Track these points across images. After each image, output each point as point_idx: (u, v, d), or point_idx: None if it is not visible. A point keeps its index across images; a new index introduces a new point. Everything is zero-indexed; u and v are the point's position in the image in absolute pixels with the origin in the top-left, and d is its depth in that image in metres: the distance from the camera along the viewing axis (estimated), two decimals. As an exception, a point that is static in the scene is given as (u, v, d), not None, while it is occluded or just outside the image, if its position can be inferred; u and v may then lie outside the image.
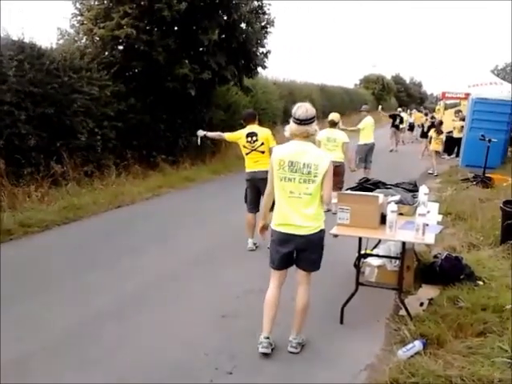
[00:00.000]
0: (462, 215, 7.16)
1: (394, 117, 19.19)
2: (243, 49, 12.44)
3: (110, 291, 4.74)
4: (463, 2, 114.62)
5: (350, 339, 3.86)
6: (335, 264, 4.97)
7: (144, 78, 11.12)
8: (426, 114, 21.42)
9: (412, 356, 3.44)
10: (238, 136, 6.05)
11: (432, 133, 13.47)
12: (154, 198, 9.30)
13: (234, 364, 3.44)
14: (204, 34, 10.97)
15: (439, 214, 4.91)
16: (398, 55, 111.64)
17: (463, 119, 14.75)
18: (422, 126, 19.04)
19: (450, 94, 17.77)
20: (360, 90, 41.90)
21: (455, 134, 15.14)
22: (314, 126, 3.45)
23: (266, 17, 13.21)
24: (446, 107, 18.63)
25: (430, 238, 3.89)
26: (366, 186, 5.01)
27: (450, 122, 15.55)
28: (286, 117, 4.25)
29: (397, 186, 5.14)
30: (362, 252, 4.32)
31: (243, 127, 6.16)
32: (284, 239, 3.49)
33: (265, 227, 3.80)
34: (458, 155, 14.94)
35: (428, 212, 4.04)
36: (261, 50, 13.33)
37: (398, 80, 52.66)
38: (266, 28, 13.25)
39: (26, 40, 8.93)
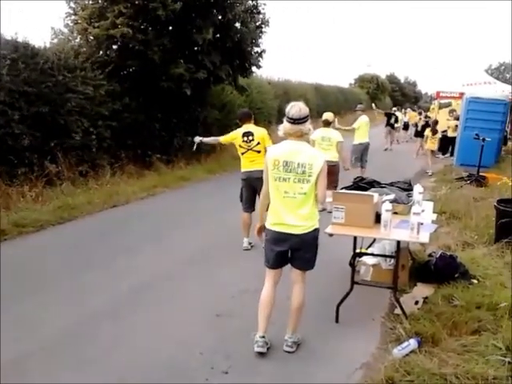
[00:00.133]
0: (456, 214, 7.19)
1: (389, 115, 19.23)
2: (238, 48, 12.43)
3: (106, 291, 4.73)
4: (457, 1, 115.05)
5: (346, 338, 3.87)
6: (330, 263, 4.98)
7: (139, 77, 11.09)
8: (420, 114, 21.47)
9: (407, 354, 3.45)
10: (234, 136, 6.04)
11: (428, 132, 13.52)
12: (149, 197, 9.29)
13: (229, 363, 3.45)
14: (198, 34, 10.95)
15: (434, 212, 4.93)
16: (392, 55, 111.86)
17: (457, 118, 14.80)
18: (416, 125, 19.08)
19: (444, 93, 17.80)
20: (355, 90, 41.95)
21: (449, 134, 15.19)
22: (308, 125, 3.45)
23: (261, 16, 13.21)
24: (441, 106, 18.66)
25: (424, 237, 3.90)
26: (361, 185, 5.02)
27: (444, 122, 15.60)
28: (281, 116, 4.25)
29: (391, 185, 5.15)
30: (357, 251, 4.32)
31: (239, 126, 6.15)
32: (278, 238, 3.49)
33: (262, 228, 3.80)
34: (452, 154, 14.99)
35: (423, 211, 4.05)
36: (255, 49, 13.34)
37: (392, 79, 52.77)
38: (261, 28, 13.24)
39: (20, 39, 8.89)
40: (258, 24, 13.09)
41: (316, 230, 3.51)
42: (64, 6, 11.20)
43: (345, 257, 4.80)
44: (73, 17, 11.23)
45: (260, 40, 13.31)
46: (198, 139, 6.61)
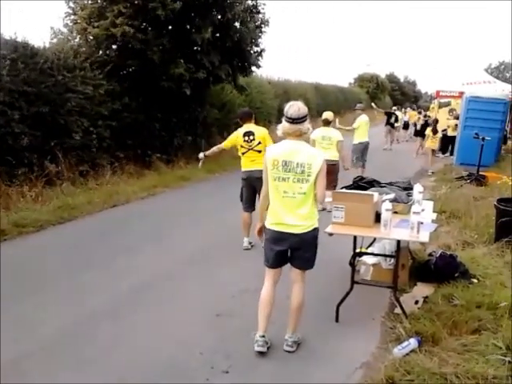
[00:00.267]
0: (456, 213, 7.19)
1: (389, 115, 19.22)
2: (238, 48, 12.42)
3: (106, 291, 4.73)
4: (457, 1, 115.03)
5: (346, 337, 3.87)
6: (330, 262, 4.98)
7: (139, 77, 11.09)
8: (420, 113, 21.47)
9: (407, 354, 3.45)
10: (235, 138, 6.02)
11: (429, 131, 13.53)
12: (149, 197, 9.28)
13: (229, 363, 3.44)
14: (198, 33, 10.96)
15: (434, 212, 4.93)
16: (392, 54, 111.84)
17: (457, 118, 14.80)
18: (415, 124, 19.09)
19: (444, 92, 17.79)
20: (354, 89, 41.93)
21: (449, 133, 15.19)
22: (307, 124, 3.45)
23: (261, 16, 13.20)
24: (440, 106, 18.66)
25: (424, 236, 3.90)
26: (361, 184, 5.02)
27: (444, 121, 15.61)
28: (281, 116, 4.23)
29: (391, 184, 5.15)
30: (357, 250, 4.32)
31: (239, 126, 6.14)
32: (278, 238, 3.49)
33: (262, 228, 3.79)
34: (452, 153, 14.99)
35: (422, 210, 4.05)
36: (255, 49, 13.34)
37: (392, 79, 52.74)
38: (261, 27, 13.23)
39: (19, 39, 8.90)
40: (257, 24, 13.08)
41: (315, 230, 3.51)
42: (63, 5, 11.25)
43: (345, 256, 4.80)
44: (72, 16, 11.24)
45: (260, 40, 13.32)
46: (201, 155, 6.48)
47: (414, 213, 3.81)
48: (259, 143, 5.84)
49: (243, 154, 5.94)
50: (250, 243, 6.01)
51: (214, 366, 3.41)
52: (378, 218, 4.04)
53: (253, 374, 3.35)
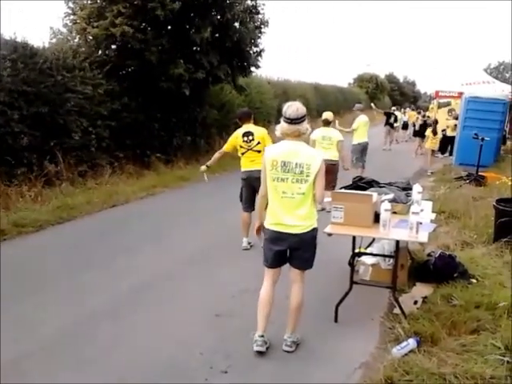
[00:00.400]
0: (455, 213, 7.20)
1: (388, 115, 19.23)
2: (237, 48, 12.42)
3: (105, 291, 4.73)
4: (457, 1, 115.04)
5: (345, 338, 3.87)
6: (329, 262, 4.99)
7: (138, 77, 11.09)
8: (419, 113, 21.48)
9: (406, 354, 3.46)
10: (234, 139, 6.01)
11: (429, 132, 13.54)
12: (149, 197, 9.29)
13: (228, 363, 3.45)
14: (197, 33, 10.96)
15: (433, 212, 4.93)
16: (391, 54, 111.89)
17: (456, 118, 14.81)
18: (414, 124, 19.11)
19: (443, 92, 17.79)
20: (354, 89, 41.95)
21: (448, 133, 15.20)
22: (305, 124, 3.45)
23: (260, 17, 13.20)
24: (440, 106, 18.67)
25: (423, 237, 3.90)
26: (360, 184, 5.02)
27: (443, 121, 15.63)
28: (280, 116, 4.23)
29: (390, 184, 5.16)
30: (356, 250, 4.33)
31: (238, 126, 6.15)
32: (277, 238, 3.50)
33: (260, 227, 3.80)
34: (451, 154, 15.00)
35: (421, 210, 4.06)
36: (254, 49, 13.33)
37: (391, 79, 52.76)
38: (260, 28, 13.24)
39: (19, 39, 8.90)
40: (257, 24, 13.08)
41: (314, 230, 3.52)
42: (63, 5, 11.23)
43: (344, 256, 4.81)
44: (71, 17, 11.23)
45: (259, 40, 13.32)
46: (203, 168, 6.38)
47: (413, 213, 3.82)
48: (258, 143, 5.85)
49: (243, 154, 5.94)
50: (250, 243, 6.01)
51: (214, 366, 3.41)
52: (377, 218, 4.05)
53: (252, 374, 3.35)
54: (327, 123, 8.02)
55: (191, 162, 12.21)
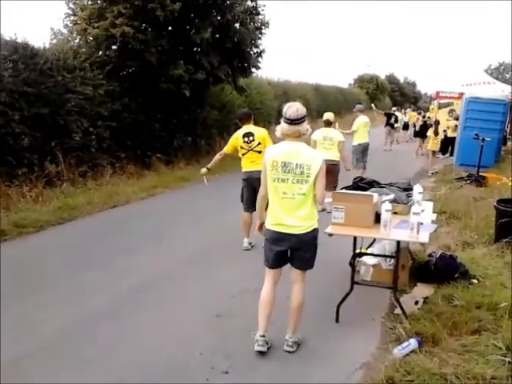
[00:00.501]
0: (456, 214, 7.19)
1: (388, 115, 19.24)
2: (237, 49, 12.43)
3: (105, 291, 4.73)
4: (457, 1, 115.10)
5: (346, 338, 3.87)
6: (330, 263, 4.99)
7: (138, 77, 11.10)
8: (419, 113, 21.50)
9: (407, 354, 3.45)
10: (235, 139, 6.00)
11: (430, 133, 13.53)
12: (149, 197, 9.29)
13: (229, 363, 3.45)
14: (197, 34, 10.96)
15: (433, 212, 4.92)
16: (392, 55, 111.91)
17: (457, 118, 14.82)
18: (415, 125, 19.12)
19: (443, 93, 17.79)
20: (354, 90, 41.97)
21: (449, 134, 15.22)
22: (305, 125, 3.45)
23: (261, 18, 13.21)
24: (440, 106, 18.68)
25: (424, 237, 3.90)
26: (361, 185, 5.02)
27: (444, 122, 15.63)
28: (281, 116, 4.23)
29: (391, 185, 5.15)
30: (357, 251, 4.32)
31: (238, 127, 6.15)
32: (278, 238, 3.50)
33: (262, 225, 3.78)
34: (452, 154, 15.00)
35: (422, 211, 4.05)
36: (255, 50, 13.34)
37: (392, 79, 52.79)
38: (261, 29, 13.24)
39: (19, 40, 8.91)
40: (257, 25, 13.09)
41: (315, 230, 3.51)
42: (63, 6, 11.25)
43: (345, 257, 4.80)
44: (72, 17, 11.25)
45: (259, 41, 13.33)
46: (204, 171, 6.35)
47: (414, 213, 3.81)
48: (259, 144, 5.85)
49: (243, 154, 5.94)
50: (250, 243, 6.01)
51: (214, 366, 3.41)
52: (377, 218, 4.04)
53: (253, 374, 3.35)
54: (328, 124, 8.02)
55: (192, 162, 12.22)
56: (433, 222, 4.54)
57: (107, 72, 10.52)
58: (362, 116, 10.40)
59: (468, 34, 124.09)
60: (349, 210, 4.05)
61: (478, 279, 4.69)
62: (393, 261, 4.38)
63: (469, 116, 13.32)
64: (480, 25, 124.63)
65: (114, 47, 10.92)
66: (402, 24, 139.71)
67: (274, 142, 4.30)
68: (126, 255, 5.75)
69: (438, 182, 10.76)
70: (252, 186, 5.76)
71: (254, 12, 12.96)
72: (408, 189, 5.04)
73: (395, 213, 4.30)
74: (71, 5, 11.19)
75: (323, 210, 6.29)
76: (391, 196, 4.43)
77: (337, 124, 8.83)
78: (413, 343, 3.54)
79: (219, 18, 11.69)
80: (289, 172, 3.40)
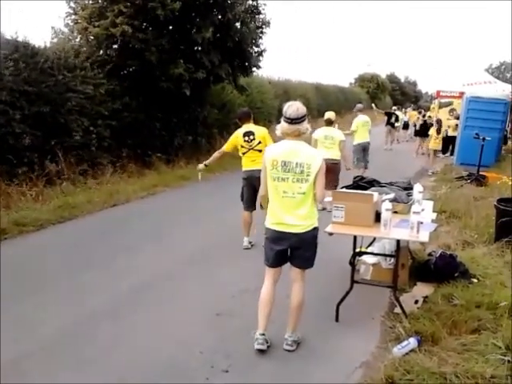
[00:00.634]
0: (456, 213, 7.19)
1: (389, 115, 19.22)
2: (238, 48, 12.42)
3: (105, 291, 4.73)
4: (458, 1, 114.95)
5: (346, 337, 3.87)
6: (330, 262, 4.98)
7: (139, 76, 11.09)
8: (420, 113, 21.47)
9: (407, 353, 3.45)
10: (235, 139, 6.00)
11: (433, 132, 13.51)
12: (149, 196, 9.29)
13: (229, 362, 3.45)
14: (198, 33, 10.96)
15: (434, 212, 4.93)
16: (392, 54, 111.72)
17: (457, 118, 14.80)
18: (415, 124, 19.11)
19: (444, 92, 17.77)
20: (355, 89, 41.93)
21: (450, 133, 15.20)
22: (306, 124, 3.45)
23: (262, 17, 13.21)
24: (441, 106, 18.66)
25: (424, 236, 3.90)
26: (361, 184, 5.02)
27: (444, 121, 15.61)
28: (281, 116, 4.24)
29: (391, 184, 5.15)
30: (357, 250, 4.32)
31: (238, 126, 6.15)
32: (278, 237, 3.50)
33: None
34: (452, 154, 14.99)
35: (422, 210, 4.05)
36: (256, 49, 13.34)
37: (392, 79, 52.74)
38: (262, 28, 13.24)
39: (20, 39, 8.90)
40: (258, 24, 13.09)
41: (315, 229, 3.52)
42: (64, 5, 11.25)
43: (345, 256, 4.80)
44: (73, 16, 11.25)
45: (260, 40, 13.33)
46: (201, 167, 6.28)
47: (414, 212, 3.81)
48: (259, 143, 5.84)
49: (244, 153, 5.94)
50: (250, 243, 6.02)
51: (214, 366, 3.41)
52: (377, 217, 4.04)
53: (253, 374, 3.35)
54: (329, 123, 8.02)
55: (192, 161, 12.20)
56: (433, 221, 4.54)
57: (108, 71, 10.53)
58: (361, 115, 10.41)
59: (469, 33, 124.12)
60: (349, 209, 4.05)
61: (477, 278, 4.70)
62: (393, 260, 4.38)
63: (469, 115, 13.31)
64: (481, 24, 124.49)
65: (114, 46, 10.94)
66: (403, 23, 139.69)
67: (275, 141, 4.29)
68: (126, 254, 5.75)
69: (439, 182, 10.76)
70: (252, 185, 5.76)
71: (254, 11, 12.96)
72: (408, 188, 5.04)
73: (395, 212, 4.30)
74: (72, 4, 11.19)
75: (323, 209, 6.30)
76: (391, 195, 4.43)
77: (336, 125, 8.84)
78: (412, 342, 3.54)
79: (220, 17, 11.67)
80: (289, 171, 3.40)
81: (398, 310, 4.14)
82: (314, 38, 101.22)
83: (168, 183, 10.24)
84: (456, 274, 4.65)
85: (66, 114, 9.04)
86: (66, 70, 9.37)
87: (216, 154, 6.31)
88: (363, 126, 10.22)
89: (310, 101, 23.16)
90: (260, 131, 5.96)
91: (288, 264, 3.63)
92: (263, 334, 3.56)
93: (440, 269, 4.72)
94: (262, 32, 13.27)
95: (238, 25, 12.33)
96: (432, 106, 21.71)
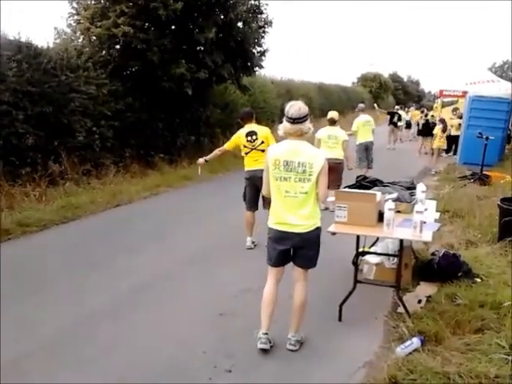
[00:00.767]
0: (459, 213, 7.17)
1: (392, 114, 19.19)
2: (241, 48, 12.42)
3: (106, 291, 4.73)
4: (461, 1, 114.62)
5: (349, 337, 3.86)
6: (333, 262, 4.98)
7: (141, 77, 11.10)
8: (422, 112, 21.43)
9: (410, 353, 3.44)
10: (237, 138, 6.00)
11: (438, 131, 13.50)
12: (152, 196, 9.30)
13: (232, 362, 3.44)
14: (200, 33, 10.96)
15: (437, 211, 4.92)
16: (395, 54, 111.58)
17: (461, 117, 14.76)
18: (418, 123, 19.07)
19: (447, 91, 17.75)
20: (357, 89, 41.87)
21: (453, 132, 15.15)
22: (308, 124, 3.45)
23: (264, 16, 13.20)
24: (444, 105, 18.62)
25: (427, 236, 3.89)
26: (364, 183, 5.01)
27: (447, 120, 15.57)
28: (284, 115, 4.25)
29: (394, 183, 5.14)
30: (360, 250, 4.32)
31: (241, 126, 6.14)
32: (280, 237, 3.50)
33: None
34: (455, 153, 14.96)
35: (425, 210, 4.05)
36: (258, 49, 13.33)
37: (395, 78, 52.66)
38: (264, 28, 13.23)
39: (23, 39, 8.92)
40: (260, 24, 13.08)
41: (318, 229, 3.51)
42: (67, 6, 11.28)
43: (348, 255, 4.80)
44: (75, 17, 11.27)
45: (263, 40, 13.32)
46: (201, 161, 6.28)
47: (417, 212, 3.80)
48: (262, 142, 5.84)
49: (246, 153, 5.93)
50: (253, 242, 6.01)
51: (217, 366, 3.40)
52: (380, 217, 4.03)
53: (256, 373, 3.34)
54: (333, 122, 8.03)
55: (195, 161, 12.09)
56: (436, 220, 4.53)
57: (110, 71, 10.55)
58: (362, 115, 10.40)
59: (472, 31, 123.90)
60: (352, 209, 4.04)
61: (481, 278, 4.68)
62: (396, 259, 4.37)
63: (472, 114, 13.30)
64: (484, 23, 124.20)
65: (116, 47, 10.95)
66: (406, 23, 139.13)
67: (277, 141, 4.29)
68: (128, 254, 5.75)
69: (442, 181, 10.74)
70: (255, 185, 5.75)
71: (257, 11, 12.96)
72: (411, 187, 5.02)
73: (398, 211, 4.29)
74: (75, 4, 11.22)
75: (326, 208, 6.28)
76: (394, 195, 4.42)
77: (338, 125, 8.82)
78: (416, 342, 3.53)
79: (222, 17, 11.67)
80: (291, 171, 3.40)
81: (401, 309, 4.13)
82: (316, 37, 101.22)
83: (171, 183, 10.24)
84: (459, 274, 4.63)
85: (69, 114, 9.05)
86: (69, 71, 9.38)
87: (217, 152, 6.32)
88: (364, 126, 10.20)
89: (313, 100, 23.16)
90: (262, 131, 5.96)
91: (291, 264, 3.62)
92: (266, 334, 3.56)
93: (443, 268, 4.71)
94: (264, 32, 13.26)
95: (240, 24, 12.33)
96: (435, 106, 21.67)
